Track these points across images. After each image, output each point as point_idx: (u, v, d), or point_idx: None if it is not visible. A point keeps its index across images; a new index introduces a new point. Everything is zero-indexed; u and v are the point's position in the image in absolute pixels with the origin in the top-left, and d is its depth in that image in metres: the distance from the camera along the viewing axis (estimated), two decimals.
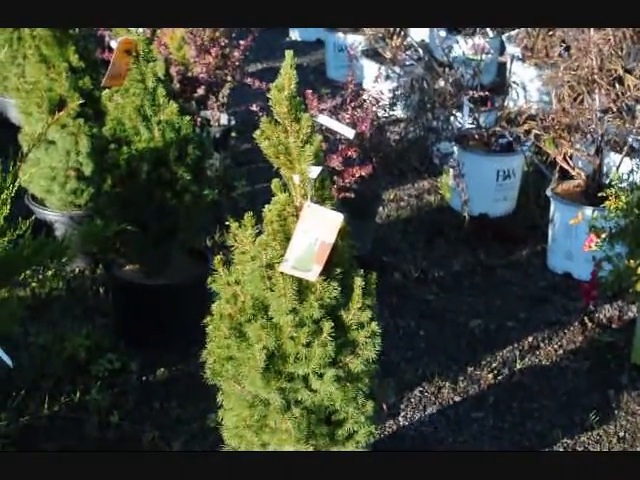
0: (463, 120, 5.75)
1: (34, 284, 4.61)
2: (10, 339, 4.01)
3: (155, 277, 4.34)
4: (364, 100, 5.09)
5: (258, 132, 2.84)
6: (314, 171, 2.80)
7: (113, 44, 5.86)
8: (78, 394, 3.95)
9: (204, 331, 2.94)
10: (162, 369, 4.17)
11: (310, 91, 4.79)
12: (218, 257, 2.95)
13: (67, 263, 3.55)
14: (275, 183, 2.85)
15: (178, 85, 5.74)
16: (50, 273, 4.44)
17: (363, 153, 4.93)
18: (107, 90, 4.26)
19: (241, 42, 5.99)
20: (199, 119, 5.70)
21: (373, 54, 7.25)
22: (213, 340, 2.92)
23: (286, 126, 2.80)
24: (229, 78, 6.00)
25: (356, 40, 7.65)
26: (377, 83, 5.70)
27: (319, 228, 2.78)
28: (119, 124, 4.18)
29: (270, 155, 2.83)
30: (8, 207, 3.24)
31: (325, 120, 4.45)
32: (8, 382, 3.91)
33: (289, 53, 2.82)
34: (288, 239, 2.79)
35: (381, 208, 5.72)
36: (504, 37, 7.50)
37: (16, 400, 3.87)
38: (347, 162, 4.76)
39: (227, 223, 2.94)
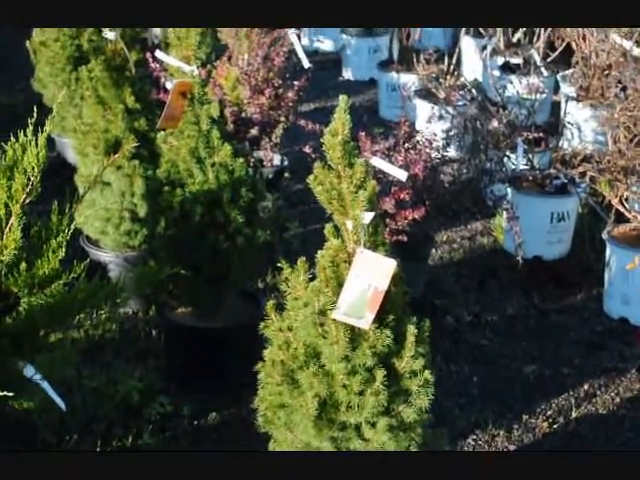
0: (517, 161, 5.71)
1: (87, 326, 4.63)
2: (63, 381, 4.03)
3: (207, 319, 4.35)
4: (417, 141, 5.08)
5: (311, 177, 2.84)
6: (367, 217, 2.79)
7: (168, 85, 5.93)
8: (130, 438, 3.96)
9: (256, 374, 2.93)
10: (214, 413, 4.16)
11: (363, 133, 4.79)
12: (271, 303, 2.95)
13: (121, 306, 3.57)
14: (328, 228, 2.85)
15: (232, 126, 5.78)
16: (104, 315, 4.47)
17: (416, 195, 4.90)
18: (162, 132, 4.30)
19: (295, 83, 6.02)
20: (252, 160, 5.72)
21: (426, 94, 7.24)
22: (265, 387, 2.91)
23: (339, 171, 2.80)
24: (282, 119, 6.02)
25: (409, 80, 7.65)
26: (430, 123, 5.69)
27: (372, 275, 2.76)
28: (173, 166, 4.21)
29: (323, 200, 2.82)
30: (64, 250, 3.26)
31: (378, 162, 4.42)
32: (61, 425, 3.93)
33: (343, 98, 2.81)
34: (341, 285, 2.77)
35: (433, 250, 5.69)
36: (558, 76, 7.44)
37: (69, 443, 3.88)
38: (400, 204, 4.74)
39: (279, 265, 2.94)
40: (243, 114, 5.94)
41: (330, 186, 2.80)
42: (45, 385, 3.10)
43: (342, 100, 2.79)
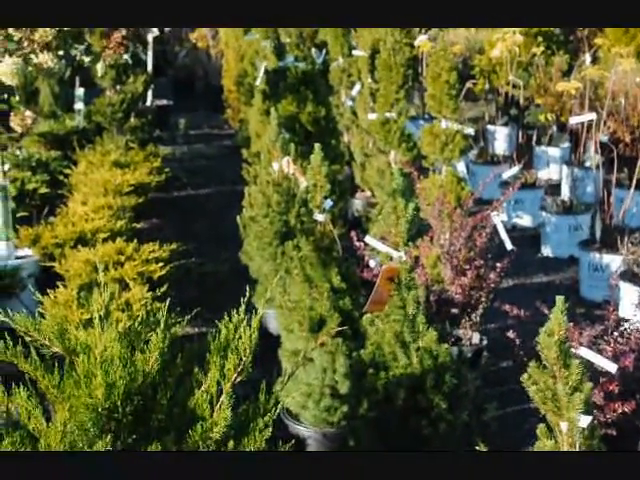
0: None
1: None
2: None
3: None
4: (625, 329, 4.94)
5: (525, 376, 2.83)
6: (584, 420, 2.73)
7: (371, 263, 6.08)
8: None
9: None
10: None
11: (571, 324, 4.71)
12: None
13: None
14: (541, 429, 2.82)
15: (434, 305, 5.81)
16: None
17: (623, 384, 4.74)
18: (368, 314, 4.37)
19: (497, 265, 6.02)
20: (452, 339, 5.71)
21: (631, 277, 7.07)
22: None
23: (555, 372, 2.77)
24: (483, 299, 6.01)
25: (612, 260, 7.52)
26: (637, 308, 5.54)
27: None
28: (378, 349, 4.26)
29: (537, 400, 2.80)
30: (270, 430, 3.31)
31: (586, 353, 4.33)
32: None
33: (560, 299, 2.82)
34: None
35: None
36: None
37: None
38: (608, 396, 4.58)
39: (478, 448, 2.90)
40: (443, 295, 5.97)
41: (545, 386, 2.78)
42: None
43: (559, 301, 2.79)
